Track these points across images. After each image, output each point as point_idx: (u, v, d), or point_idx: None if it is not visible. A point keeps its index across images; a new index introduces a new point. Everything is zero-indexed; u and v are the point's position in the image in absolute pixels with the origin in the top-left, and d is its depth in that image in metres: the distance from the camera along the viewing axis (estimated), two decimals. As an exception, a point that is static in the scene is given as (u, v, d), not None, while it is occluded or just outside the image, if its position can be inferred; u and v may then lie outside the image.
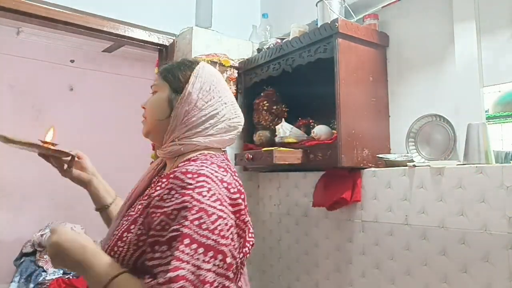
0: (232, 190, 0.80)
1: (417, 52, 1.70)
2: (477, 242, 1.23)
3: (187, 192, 0.74)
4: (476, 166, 1.26)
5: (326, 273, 1.74)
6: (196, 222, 0.72)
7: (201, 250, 0.70)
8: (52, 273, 3.18)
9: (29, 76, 3.82)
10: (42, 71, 3.89)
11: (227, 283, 0.72)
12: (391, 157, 1.58)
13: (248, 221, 0.83)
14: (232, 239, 0.76)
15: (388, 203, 1.50)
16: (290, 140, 1.83)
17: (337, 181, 1.66)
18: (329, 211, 1.70)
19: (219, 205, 0.75)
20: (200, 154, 0.87)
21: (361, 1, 1.85)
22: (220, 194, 0.77)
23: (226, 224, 0.75)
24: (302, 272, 1.86)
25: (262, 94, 2.07)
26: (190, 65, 0.96)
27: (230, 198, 0.79)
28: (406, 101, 1.73)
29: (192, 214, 0.72)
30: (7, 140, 0.99)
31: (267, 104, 2.03)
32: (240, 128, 0.97)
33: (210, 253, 0.71)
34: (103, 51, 4.18)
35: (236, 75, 2.19)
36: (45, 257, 3.30)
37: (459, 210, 1.28)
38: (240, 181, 0.87)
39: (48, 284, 3.09)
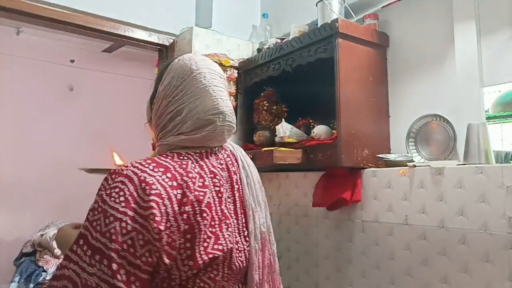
0: (148, 192, 0.71)
1: (417, 52, 1.70)
2: (477, 242, 1.23)
3: (101, 193, 0.73)
4: (476, 166, 1.26)
5: (326, 273, 1.74)
6: (94, 224, 0.70)
7: (89, 252, 0.69)
8: (52, 273, 3.18)
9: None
10: (42, 71, 3.89)
11: None
12: (391, 157, 1.58)
13: (155, 227, 0.70)
14: (130, 245, 0.69)
15: (388, 203, 1.50)
16: (290, 140, 1.82)
17: (337, 181, 1.66)
18: (329, 211, 1.70)
19: (123, 207, 0.70)
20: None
21: (361, 1, 1.85)
22: (131, 195, 0.71)
23: (124, 228, 0.69)
24: (302, 272, 1.86)
25: (262, 94, 2.07)
26: (171, 61, 0.90)
27: (144, 200, 0.71)
28: (406, 101, 1.72)
29: (93, 215, 0.71)
30: (91, 171, 1.14)
31: (267, 104, 2.03)
32: (220, 122, 0.85)
33: (97, 257, 0.68)
34: (103, 51, 4.19)
35: (236, 75, 2.18)
36: (45, 257, 3.30)
37: (459, 210, 1.28)
38: (193, 183, 0.78)
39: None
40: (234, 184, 0.89)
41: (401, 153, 1.63)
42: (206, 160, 0.85)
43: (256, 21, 2.46)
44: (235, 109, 2.18)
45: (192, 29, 2.11)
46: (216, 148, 0.90)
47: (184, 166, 0.79)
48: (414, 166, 1.43)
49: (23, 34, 3.72)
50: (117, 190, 0.72)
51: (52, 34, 3.61)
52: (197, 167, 0.81)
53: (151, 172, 0.74)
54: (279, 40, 2.05)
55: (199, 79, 0.85)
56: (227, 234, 0.81)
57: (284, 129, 1.85)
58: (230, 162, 0.91)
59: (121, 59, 4.31)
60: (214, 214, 0.79)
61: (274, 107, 2.04)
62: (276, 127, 1.90)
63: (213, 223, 0.78)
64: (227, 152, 0.93)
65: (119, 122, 4.17)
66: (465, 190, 1.27)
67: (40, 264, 3.26)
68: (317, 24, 1.82)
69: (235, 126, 0.90)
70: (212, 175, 0.83)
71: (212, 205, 0.80)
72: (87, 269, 0.68)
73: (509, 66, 1.43)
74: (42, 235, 3.39)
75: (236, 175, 0.90)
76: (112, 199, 0.71)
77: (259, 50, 2.17)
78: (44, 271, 3.20)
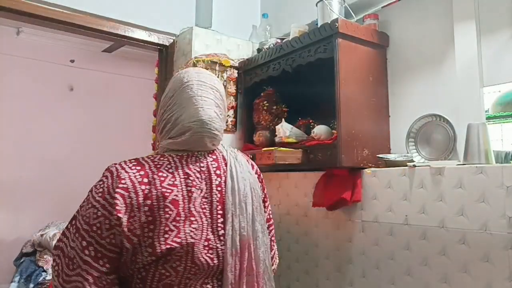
0: (117, 185, 0.85)
1: (417, 52, 1.70)
2: (477, 242, 1.23)
3: (93, 184, 0.89)
4: (476, 166, 1.26)
5: (326, 273, 1.74)
6: (82, 209, 0.87)
7: (74, 230, 0.86)
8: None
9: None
10: (42, 71, 3.89)
11: (81, 263, 0.83)
12: (391, 157, 1.58)
13: (115, 215, 0.83)
14: (98, 228, 0.84)
15: (388, 203, 1.50)
16: (290, 140, 1.83)
17: (337, 181, 1.66)
18: (329, 211, 1.70)
19: (99, 196, 0.85)
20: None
21: (361, 1, 1.85)
22: (108, 187, 0.86)
23: (95, 214, 0.84)
24: (302, 272, 1.86)
25: (262, 94, 2.07)
26: (175, 74, 1.04)
27: (114, 191, 0.85)
28: (406, 101, 1.72)
29: (83, 202, 0.88)
30: None
31: (267, 104, 2.03)
32: (198, 128, 0.93)
33: (76, 234, 0.85)
34: (103, 51, 4.18)
35: (236, 75, 2.19)
36: (45, 257, 3.30)
37: (459, 210, 1.28)
38: (160, 181, 0.87)
39: (48, 284, 3.09)
40: (215, 186, 0.94)
41: (401, 153, 1.63)
42: (184, 162, 0.93)
43: (256, 21, 2.46)
44: (235, 109, 2.18)
45: (192, 29, 2.11)
46: (200, 153, 0.97)
47: (158, 166, 0.90)
48: (414, 166, 1.43)
49: (23, 34, 3.72)
50: (100, 183, 0.88)
51: (52, 34, 3.60)
52: (172, 167, 0.91)
53: (128, 169, 0.88)
54: (279, 40, 2.05)
55: (186, 91, 0.96)
56: (189, 230, 0.87)
57: (284, 129, 1.85)
58: (215, 166, 0.96)
59: (121, 59, 4.30)
60: (180, 210, 0.87)
61: (274, 107, 2.05)
62: (276, 127, 1.90)
63: (178, 218, 0.86)
64: (214, 157, 0.98)
65: (119, 122, 4.16)
66: (465, 190, 1.27)
67: (40, 264, 3.25)
68: (317, 24, 1.82)
69: (217, 132, 0.97)
70: (185, 176, 0.91)
71: (180, 202, 0.87)
72: (71, 243, 0.85)
73: (509, 66, 1.43)
74: (42, 235, 3.39)
75: (221, 178, 0.96)
76: (95, 190, 0.87)
77: (259, 50, 2.17)
78: (44, 271, 3.20)
